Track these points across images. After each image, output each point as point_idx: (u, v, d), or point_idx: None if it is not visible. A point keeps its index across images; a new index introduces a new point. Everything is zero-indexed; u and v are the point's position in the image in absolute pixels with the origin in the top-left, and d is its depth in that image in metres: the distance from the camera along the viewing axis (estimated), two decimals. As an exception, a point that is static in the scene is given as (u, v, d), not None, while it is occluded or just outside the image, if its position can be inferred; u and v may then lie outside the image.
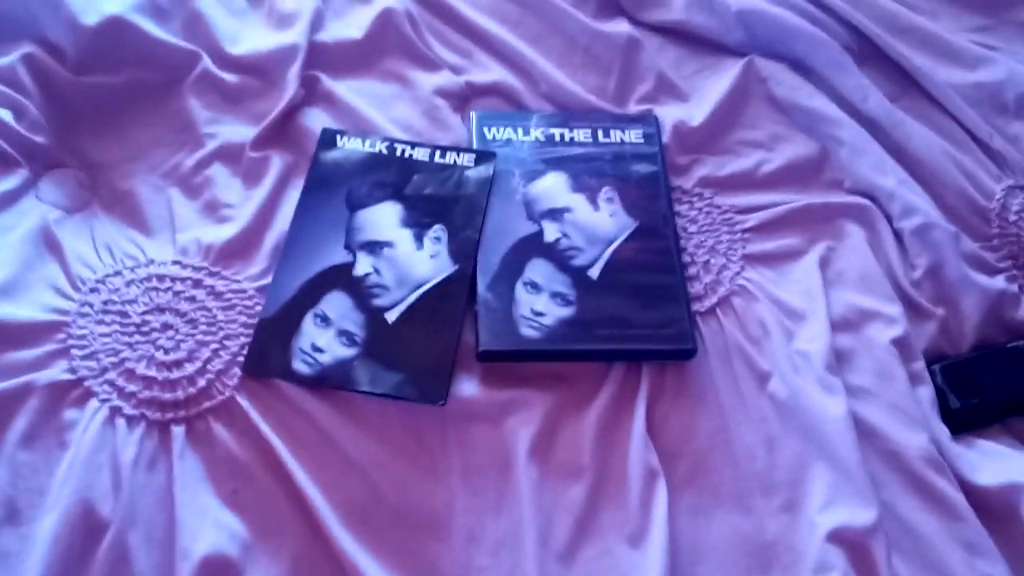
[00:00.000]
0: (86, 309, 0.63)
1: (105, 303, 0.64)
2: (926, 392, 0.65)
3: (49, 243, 0.66)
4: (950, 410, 0.65)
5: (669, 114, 0.79)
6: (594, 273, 0.68)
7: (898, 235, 0.73)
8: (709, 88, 0.82)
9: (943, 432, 0.64)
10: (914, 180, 0.74)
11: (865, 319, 0.68)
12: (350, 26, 0.80)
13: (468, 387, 0.63)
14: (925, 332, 0.69)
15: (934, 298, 0.70)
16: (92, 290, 0.65)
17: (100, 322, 0.63)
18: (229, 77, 0.76)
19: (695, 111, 0.79)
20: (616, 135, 0.76)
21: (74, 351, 0.61)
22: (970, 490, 0.61)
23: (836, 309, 0.68)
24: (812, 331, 0.66)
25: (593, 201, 0.72)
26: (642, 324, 0.65)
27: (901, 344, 0.66)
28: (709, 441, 0.63)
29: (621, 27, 0.84)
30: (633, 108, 0.80)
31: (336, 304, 0.65)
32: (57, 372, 0.60)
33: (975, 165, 0.77)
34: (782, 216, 0.74)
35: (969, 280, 0.70)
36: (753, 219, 0.74)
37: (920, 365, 0.67)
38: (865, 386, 0.65)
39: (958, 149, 0.78)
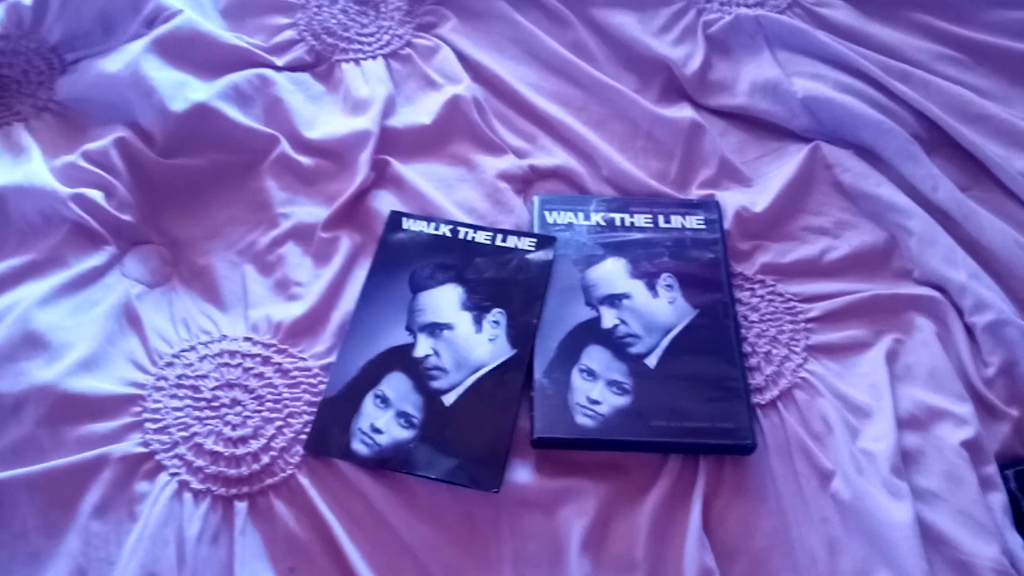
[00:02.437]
0: (161, 383, 0.66)
1: (179, 377, 0.67)
2: (998, 498, 0.62)
3: (130, 317, 0.70)
4: (1025, 518, 0.63)
5: (732, 199, 0.79)
6: (651, 362, 0.68)
7: (970, 330, 0.71)
8: (773, 173, 0.82)
9: (1016, 542, 0.60)
10: (987, 273, 0.72)
11: (934, 418, 0.66)
12: (420, 112, 0.84)
13: (522, 474, 0.63)
14: (998, 434, 0.66)
15: (1008, 398, 0.68)
16: (168, 364, 0.68)
17: (173, 396, 0.66)
18: (305, 160, 0.80)
19: (758, 196, 0.79)
20: (677, 220, 0.77)
21: (148, 424, 0.64)
22: (1046, 607, 0.58)
23: (903, 406, 0.66)
24: (878, 429, 0.65)
25: (652, 287, 0.72)
26: (700, 416, 0.65)
27: (972, 446, 0.64)
28: (768, 541, 0.62)
29: (684, 112, 0.85)
30: (695, 193, 0.80)
31: (396, 385, 0.66)
32: (131, 445, 0.63)
33: (1051, 259, 0.75)
34: (848, 306, 0.73)
35: (1045, 380, 0.67)
36: (817, 308, 0.73)
37: (992, 469, 0.64)
38: (933, 489, 0.62)
39: (1032, 241, 0.76)
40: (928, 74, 0.85)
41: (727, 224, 0.77)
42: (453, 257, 0.74)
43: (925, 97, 0.83)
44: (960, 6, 0.92)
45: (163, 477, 0.62)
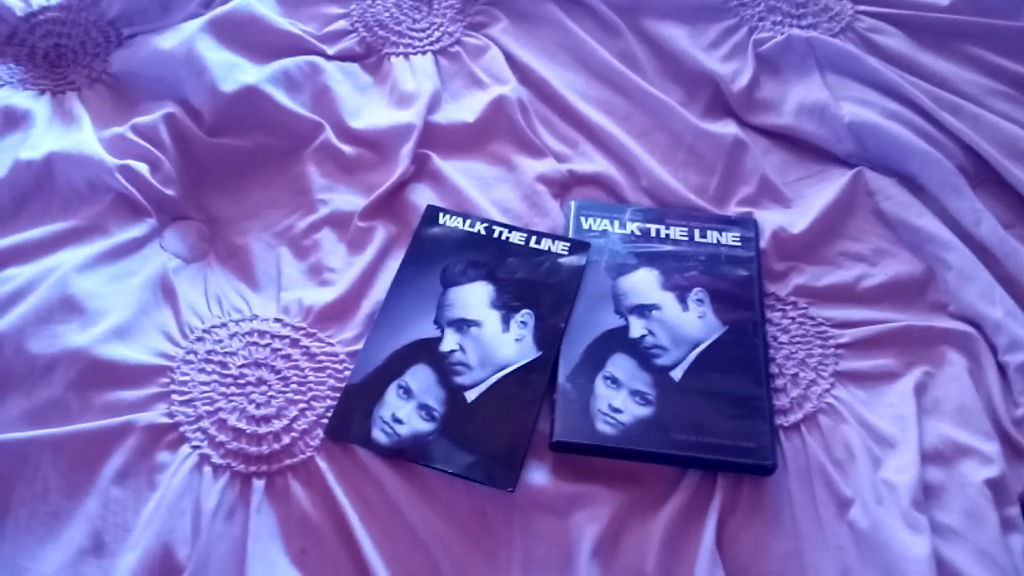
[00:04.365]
0: (190, 357, 0.67)
1: (208, 352, 0.68)
2: (1019, 541, 0.61)
3: (166, 290, 0.71)
4: (1046, 564, 0.61)
5: (770, 219, 0.78)
6: (677, 375, 0.67)
7: (1002, 369, 0.70)
8: (814, 196, 0.81)
9: (1036, 588, 0.60)
10: (1024, 313, 0.71)
11: (959, 454, 0.65)
12: (464, 110, 0.84)
13: (538, 475, 0.63)
14: (1023, 476, 0.65)
15: (1036, 441, 0.67)
16: (198, 339, 0.69)
17: (201, 370, 0.67)
18: (347, 149, 0.81)
19: (797, 218, 0.79)
20: (712, 236, 0.76)
21: (174, 396, 0.65)
22: (1062, 656, 0.57)
23: (928, 440, 0.65)
24: (901, 461, 0.64)
25: (683, 301, 0.72)
26: (721, 433, 0.64)
27: (996, 486, 0.63)
28: (781, 564, 0.61)
29: (728, 128, 0.84)
30: (733, 210, 0.80)
31: (420, 377, 0.67)
32: (156, 415, 0.64)
33: (1092, 304, 0.73)
34: (880, 335, 0.72)
35: (1077, 426, 0.66)
36: (849, 335, 0.72)
37: (1015, 511, 0.63)
38: (953, 526, 0.61)
39: (1075, 285, 0.74)
40: (978, 108, 0.84)
41: (763, 243, 0.76)
42: (486, 255, 0.74)
43: (974, 131, 0.82)
44: (1015, 41, 0.91)
45: (185, 449, 0.63)
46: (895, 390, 0.69)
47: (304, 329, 0.70)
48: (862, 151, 0.83)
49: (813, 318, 0.73)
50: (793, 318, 0.73)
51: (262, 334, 0.69)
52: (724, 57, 0.90)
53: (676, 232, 0.76)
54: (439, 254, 0.74)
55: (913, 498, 0.61)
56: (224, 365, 0.67)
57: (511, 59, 0.89)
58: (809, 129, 0.84)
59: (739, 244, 0.76)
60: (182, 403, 0.65)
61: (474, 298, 0.71)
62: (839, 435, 0.66)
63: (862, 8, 0.93)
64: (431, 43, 0.89)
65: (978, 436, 0.65)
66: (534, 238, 0.75)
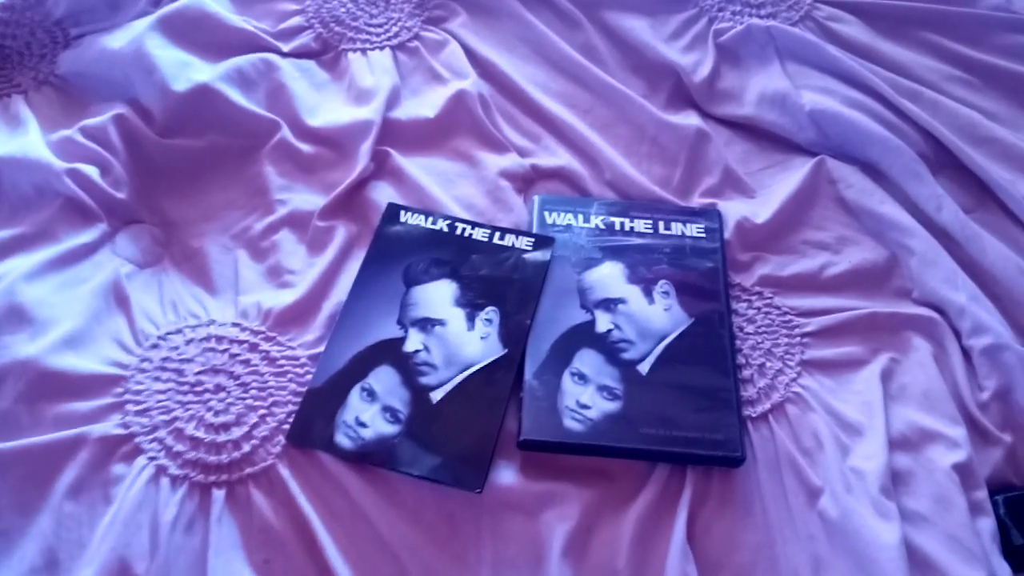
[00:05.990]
0: (145, 365, 0.65)
1: (164, 360, 0.66)
2: (987, 524, 0.62)
3: (118, 297, 0.69)
4: (1013, 546, 0.62)
5: (734, 209, 0.78)
6: (644, 368, 0.67)
7: (967, 353, 0.70)
8: (776, 185, 0.81)
9: (1004, 570, 0.59)
10: (986, 297, 0.72)
11: (926, 440, 0.65)
12: (424, 105, 0.83)
13: (506, 475, 0.62)
14: (990, 459, 0.65)
15: (1001, 423, 0.67)
16: (153, 346, 0.67)
17: (157, 379, 0.65)
18: (305, 147, 0.79)
19: (760, 208, 0.78)
20: (677, 228, 0.76)
21: (129, 406, 0.63)
22: (1032, 637, 0.57)
23: (896, 426, 0.66)
24: (869, 448, 0.64)
25: (648, 294, 0.71)
26: (690, 426, 0.64)
27: (963, 470, 0.63)
28: (753, 555, 0.61)
29: (690, 120, 0.84)
30: (697, 201, 0.80)
31: (383, 379, 0.66)
32: (110, 426, 0.62)
33: (1053, 285, 0.74)
34: (845, 322, 0.72)
35: (1041, 407, 0.67)
36: (814, 323, 0.72)
37: (982, 494, 0.63)
38: (921, 512, 0.61)
39: (1035, 267, 0.75)
40: (937, 94, 0.85)
41: (728, 234, 0.76)
42: (449, 253, 0.73)
43: (933, 117, 0.82)
44: (972, 29, 0.92)
45: (141, 460, 0.61)
46: (861, 377, 0.69)
47: (263, 333, 0.68)
48: (823, 139, 0.83)
49: (779, 307, 0.73)
50: (759, 308, 0.73)
51: (219, 339, 0.68)
52: (685, 48, 0.89)
53: (641, 225, 0.76)
54: (401, 253, 0.73)
55: (882, 485, 0.61)
56: (180, 372, 0.65)
57: (471, 53, 0.88)
58: (770, 119, 0.84)
59: (704, 235, 0.75)
60: (137, 413, 0.63)
61: (438, 296, 0.70)
62: (807, 424, 0.66)
63: (820, -3, 0.93)
64: (389, 38, 0.88)
65: (944, 421, 0.66)
66: (498, 234, 0.74)
